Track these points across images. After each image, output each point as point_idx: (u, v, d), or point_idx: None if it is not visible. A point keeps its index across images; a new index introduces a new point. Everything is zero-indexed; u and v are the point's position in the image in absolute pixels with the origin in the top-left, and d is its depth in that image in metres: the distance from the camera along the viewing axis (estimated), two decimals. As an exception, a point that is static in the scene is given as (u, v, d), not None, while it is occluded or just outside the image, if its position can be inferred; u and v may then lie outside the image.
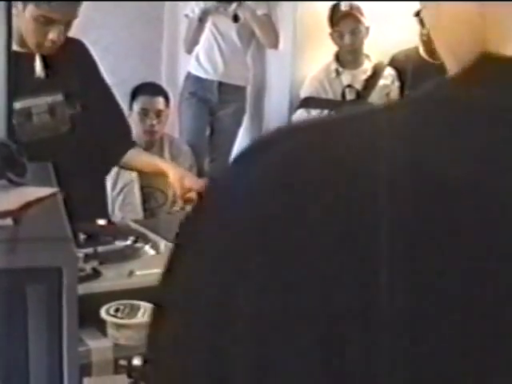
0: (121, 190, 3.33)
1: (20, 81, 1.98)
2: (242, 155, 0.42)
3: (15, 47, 2.13)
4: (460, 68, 0.42)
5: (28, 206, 1.05)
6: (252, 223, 0.39)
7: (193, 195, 2.31)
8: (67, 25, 2.21)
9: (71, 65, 2.30)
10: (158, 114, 3.53)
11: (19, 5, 2.13)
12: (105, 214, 2.46)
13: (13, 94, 1.65)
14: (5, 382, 0.88)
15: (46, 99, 2.24)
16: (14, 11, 2.09)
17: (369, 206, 0.37)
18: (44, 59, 2.23)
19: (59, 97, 2.26)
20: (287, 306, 0.37)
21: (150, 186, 3.35)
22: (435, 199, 0.37)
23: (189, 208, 2.30)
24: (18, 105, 2.15)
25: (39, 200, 1.09)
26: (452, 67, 0.45)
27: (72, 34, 2.37)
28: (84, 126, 2.30)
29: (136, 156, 2.50)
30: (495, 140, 0.38)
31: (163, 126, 3.59)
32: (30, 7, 2.14)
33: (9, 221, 0.99)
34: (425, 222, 0.36)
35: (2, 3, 1.56)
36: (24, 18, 2.15)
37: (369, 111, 0.43)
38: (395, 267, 0.36)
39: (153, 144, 3.55)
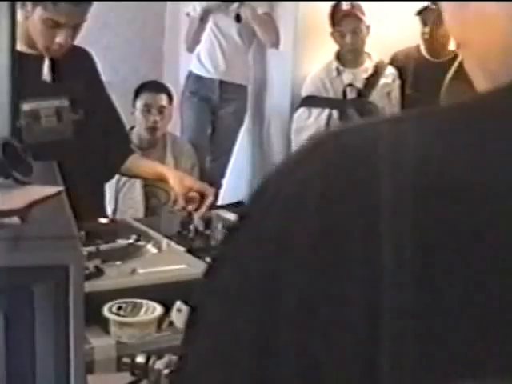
0: (124, 183, 3.34)
1: (28, 82, 2.00)
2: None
3: (24, 48, 2.16)
4: (492, 84, 0.39)
5: (34, 204, 1.06)
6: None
7: (194, 194, 2.32)
8: (75, 29, 2.23)
9: (77, 71, 2.33)
10: (161, 110, 3.53)
11: (29, 6, 2.15)
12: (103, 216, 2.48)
13: (19, 95, 1.66)
14: (12, 381, 0.89)
15: (54, 103, 2.26)
16: (23, 12, 2.13)
17: (373, 218, 0.37)
18: (52, 63, 2.25)
19: (65, 102, 2.29)
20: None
21: (153, 185, 3.35)
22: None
23: (190, 208, 2.32)
24: (26, 106, 2.17)
25: (45, 199, 1.10)
26: (481, 85, 0.42)
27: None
28: (86, 133, 2.33)
29: (136, 162, 2.53)
30: None
31: (166, 123, 3.59)
32: (39, 9, 2.16)
33: (15, 219, 1.00)
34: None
35: (6, 3, 1.57)
36: (33, 19, 2.17)
37: (380, 122, 0.42)
38: (400, 279, 0.36)
39: (155, 143, 3.55)
